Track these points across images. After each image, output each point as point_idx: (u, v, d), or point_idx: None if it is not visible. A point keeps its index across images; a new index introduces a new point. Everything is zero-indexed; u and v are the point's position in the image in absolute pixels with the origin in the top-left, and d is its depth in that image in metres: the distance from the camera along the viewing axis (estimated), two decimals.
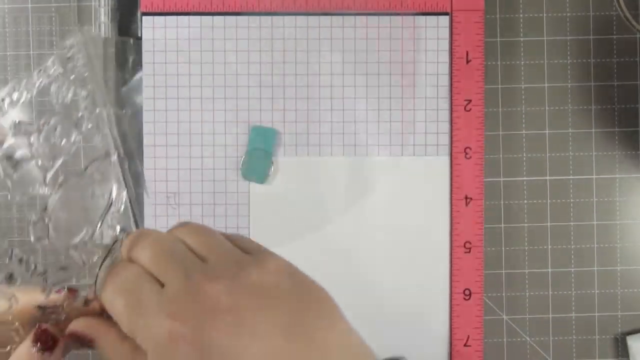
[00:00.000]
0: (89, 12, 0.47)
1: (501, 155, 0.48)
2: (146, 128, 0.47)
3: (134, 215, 0.37)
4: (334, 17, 0.47)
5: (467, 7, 0.47)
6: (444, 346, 0.47)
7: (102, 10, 0.47)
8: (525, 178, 0.48)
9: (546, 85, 0.48)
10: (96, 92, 0.34)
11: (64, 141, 0.35)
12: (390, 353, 0.45)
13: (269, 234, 0.47)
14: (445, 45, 0.47)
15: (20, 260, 0.36)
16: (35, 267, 0.36)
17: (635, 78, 0.48)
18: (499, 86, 0.48)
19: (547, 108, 0.48)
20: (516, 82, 0.48)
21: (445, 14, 0.47)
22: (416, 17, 0.47)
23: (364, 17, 0.47)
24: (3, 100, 0.34)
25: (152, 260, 0.32)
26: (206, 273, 0.32)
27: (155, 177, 0.47)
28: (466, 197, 0.47)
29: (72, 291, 0.35)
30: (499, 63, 0.48)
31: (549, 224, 0.48)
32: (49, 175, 0.36)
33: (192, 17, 0.47)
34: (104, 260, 0.35)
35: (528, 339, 0.48)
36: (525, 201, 0.48)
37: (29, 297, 0.34)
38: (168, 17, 0.47)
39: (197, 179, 0.47)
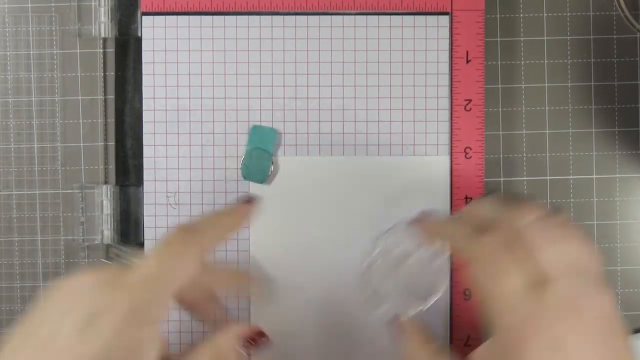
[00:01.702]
0: (89, 12, 0.47)
1: (501, 155, 0.48)
2: (146, 128, 0.47)
3: None
4: (334, 17, 0.47)
5: (468, 7, 0.47)
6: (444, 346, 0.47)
7: (102, 10, 0.47)
8: (525, 178, 0.48)
9: (546, 85, 0.48)
10: None
11: None
12: (390, 353, 0.45)
13: (268, 234, 0.47)
14: (445, 45, 0.47)
15: None
16: None
17: (636, 78, 0.48)
18: (499, 86, 0.48)
19: (547, 108, 0.48)
20: (516, 82, 0.48)
21: (446, 13, 0.47)
22: (416, 17, 0.47)
23: (364, 17, 0.47)
24: None
25: None
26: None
27: (155, 177, 0.47)
28: (466, 197, 0.47)
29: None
30: (499, 63, 0.48)
31: None
32: None
33: (192, 17, 0.47)
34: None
35: None
36: None
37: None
38: (168, 17, 0.47)
39: (197, 179, 0.47)
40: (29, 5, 0.48)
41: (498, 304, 0.36)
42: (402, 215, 0.46)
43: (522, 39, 0.48)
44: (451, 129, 0.47)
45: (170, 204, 0.47)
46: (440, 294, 0.46)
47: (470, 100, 0.47)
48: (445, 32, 0.47)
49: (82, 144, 0.48)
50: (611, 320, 0.35)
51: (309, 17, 0.47)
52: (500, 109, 0.48)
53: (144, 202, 0.47)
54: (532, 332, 0.34)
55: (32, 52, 0.48)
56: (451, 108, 0.47)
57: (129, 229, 0.48)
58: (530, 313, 0.35)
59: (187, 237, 0.37)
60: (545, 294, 0.35)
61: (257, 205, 0.43)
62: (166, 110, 0.47)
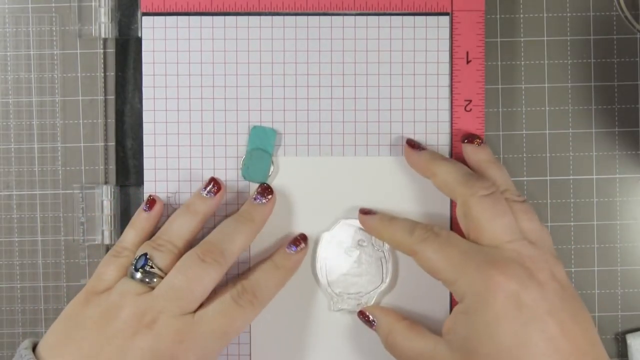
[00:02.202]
0: (89, 12, 0.47)
1: (501, 156, 0.48)
2: (146, 128, 0.47)
3: None
4: (334, 17, 0.47)
5: (468, 7, 0.47)
6: None
7: (102, 10, 0.47)
8: (525, 178, 0.48)
9: (546, 85, 0.48)
10: None
11: None
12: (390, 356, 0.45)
13: (268, 234, 0.47)
14: (445, 45, 0.47)
15: None
16: None
17: (636, 78, 0.48)
18: (499, 86, 0.48)
19: (547, 108, 0.48)
20: (516, 82, 0.48)
21: (446, 14, 0.47)
22: (416, 17, 0.47)
23: (364, 17, 0.47)
24: None
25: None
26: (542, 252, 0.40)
27: (156, 177, 0.47)
28: None
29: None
30: (499, 63, 0.48)
31: (549, 224, 0.48)
32: None
33: (192, 17, 0.47)
34: None
35: None
36: None
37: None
38: (168, 17, 0.47)
39: (197, 179, 0.47)
40: (29, 5, 0.48)
41: (448, 275, 0.41)
42: (403, 215, 0.46)
43: (522, 39, 0.48)
44: (451, 129, 0.47)
45: (170, 204, 0.47)
46: (386, 284, 0.46)
47: (470, 101, 0.47)
48: (446, 33, 0.47)
49: (82, 144, 0.48)
50: (565, 281, 0.38)
51: (309, 17, 0.47)
52: (500, 109, 0.48)
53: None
54: (487, 289, 0.37)
55: (32, 53, 0.48)
56: (451, 109, 0.47)
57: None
58: (479, 274, 0.39)
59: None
60: (489, 256, 0.38)
61: (273, 200, 0.46)
62: (166, 110, 0.47)
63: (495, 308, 0.38)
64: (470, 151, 0.45)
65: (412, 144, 0.45)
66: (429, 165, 0.44)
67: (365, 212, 0.46)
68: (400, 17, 0.47)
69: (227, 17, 0.47)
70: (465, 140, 0.45)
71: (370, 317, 0.45)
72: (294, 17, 0.47)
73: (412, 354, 0.42)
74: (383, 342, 0.44)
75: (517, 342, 0.37)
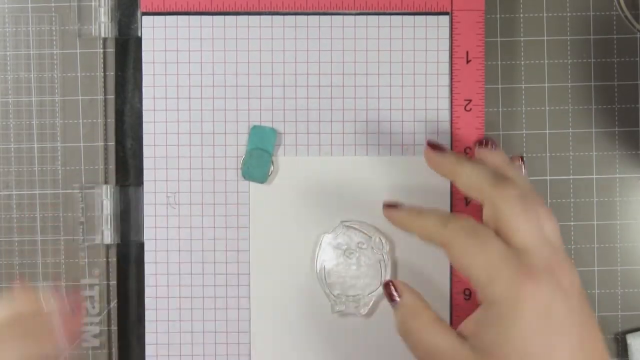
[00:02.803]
0: (89, 12, 0.48)
1: None
2: (146, 128, 0.47)
3: None
4: (334, 17, 0.47)
5: (468, 7, 0.47)
6: None
7: (102, 10, 0.47)
8: None
9: (546, 85, 0.48)
10: None
11: None
12: (391, 355, 0.45)
13: (268, 235, 0.47)
14: (445, 45, 0.47)
15: None
16: None
17: (636, 78, 0.48)
18: (499, 86, 0.48)
19: (547, 108, 0.48)
20: (516, 82, 0.48)
21: (446, 13, 0.47)
22: (416, 17, 0.47)
23: (363, 17, 0.47)
24: None
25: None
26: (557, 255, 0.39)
27: (155, 177, 0.47)
28: (466, 199, 0.47)
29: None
30: (499, 63, 0.48)
31: None
32: None
33: (192, 17, 0.47)
34: None
35: None
36: None
37: None
38: (168, 17, 0.47)
39: (197, 179, 0.47)
40: (29, 5, 0.48)
41: (481, 276, 0.39)
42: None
43: (522, 39, 0.48)
44: (451, 129, 0.47)
45: (170, 204, 0.47)
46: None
47: (470, 101, 0.47)
48: (445, 32, 0.47)
49: (82, 144, 0.48)
50: (581, 289, 0.39)
51: (309, 17, 0.47)
52: (500, 109, 0.48)
53: (144, 202, 0.47)
54: (520, 298, 0.37)
55: (32, 52, 0.48)
56: (451, 108, 0.47)
57: (129, 229, 0.48)
58: (513, 281, 0.38)
59: None
60: (523, 262, 0.38)
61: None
62: (166, 110, 0.47)
63: (528, 317, 0.37)
64: (486, 155, 0.44)
65: (434, 146, 0.44)
66: (454, 167, 0.43)
67: (390, 205, 0.44)
68: (400, 16, 0.47)
69: (227, 17, 0.47)
70: (479, 145, 0.45)
71: (395, 292, 0.42)
72: (294, 17, 0.47)
73: (431, 349, 0.40)
74: (398, 323, 0.41)
75: (545, 352, 0.37)
